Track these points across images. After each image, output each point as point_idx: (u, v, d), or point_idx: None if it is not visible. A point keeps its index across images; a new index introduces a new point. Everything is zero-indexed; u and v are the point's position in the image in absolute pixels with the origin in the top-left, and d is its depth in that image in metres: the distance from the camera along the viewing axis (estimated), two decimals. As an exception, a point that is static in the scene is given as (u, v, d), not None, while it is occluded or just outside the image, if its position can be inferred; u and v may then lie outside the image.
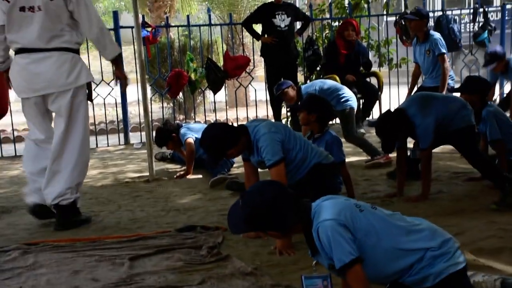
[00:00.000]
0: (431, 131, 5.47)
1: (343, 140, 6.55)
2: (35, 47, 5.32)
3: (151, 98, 10.76)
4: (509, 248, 4.33)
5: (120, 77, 6.04)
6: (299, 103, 6.92)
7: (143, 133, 7.45)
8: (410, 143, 6.12)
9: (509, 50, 12.07)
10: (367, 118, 10.02)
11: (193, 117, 11.79)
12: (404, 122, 5.44)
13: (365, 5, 11.14)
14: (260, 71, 14.70)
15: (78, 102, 5.50)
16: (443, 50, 8.05)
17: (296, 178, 4.84)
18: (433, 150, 5.84)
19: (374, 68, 10.47)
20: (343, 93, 7.40)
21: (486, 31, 11.06)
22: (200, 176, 7.49)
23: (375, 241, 2.92)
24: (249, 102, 12.14)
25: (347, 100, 7.38)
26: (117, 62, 5.97)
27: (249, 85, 11.06)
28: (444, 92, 7.83)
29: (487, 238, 4.55)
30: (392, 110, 5.89)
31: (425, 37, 8.14)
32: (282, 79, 8.53)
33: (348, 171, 5.88)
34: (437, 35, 8.30)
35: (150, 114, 8.23)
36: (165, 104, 11.73)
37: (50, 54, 5.34)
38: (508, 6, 12.77)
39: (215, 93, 10.21)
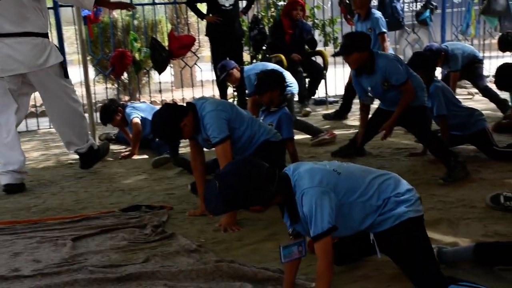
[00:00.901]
0: None
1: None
2: (5, 32, 5.73)
3: (94, 79, 10.64)
4: (447, 219, 4.49)
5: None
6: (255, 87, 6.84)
7: (86, 115, 7.31)
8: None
9: (450, 29, 12.28)
10: (312, 97, 10.06)
11: (138, 98, 11.65)
12: None
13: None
14: (206, 51, 14.60)
15: (52, 80, 6.09)
16: (383, 29, 8.18)
17: (245, 155, 4.83)
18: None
19: (320, 47, 10.52)
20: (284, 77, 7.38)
21: (428, 10, 11.37)
22: (146, 156, 7.44)
23: (352, 198, 3.05)
24: (195, 82, 12.05)
25: (288, 86, 7.35)
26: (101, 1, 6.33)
27: (195, 65, 11.00)
28: None
29: (427, 210, 4.59)
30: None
31: (367, 15, 8.25)
32: (227, 59, 8.48)
33: None
34: (378, 13, 8.43)
35: (92, 95, 8.14)
36: (109, 85, 11.54)
37: (22, 40, 5.80)
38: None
39: (160, 73, 10.11)
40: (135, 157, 7.43)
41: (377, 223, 3.08)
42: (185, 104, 4.85)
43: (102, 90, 11.51)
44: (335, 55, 6.66)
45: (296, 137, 7.33)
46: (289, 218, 3.14)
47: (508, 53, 9.77)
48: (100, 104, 9.76)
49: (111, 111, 7.58)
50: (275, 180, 3.03)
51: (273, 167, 3.10)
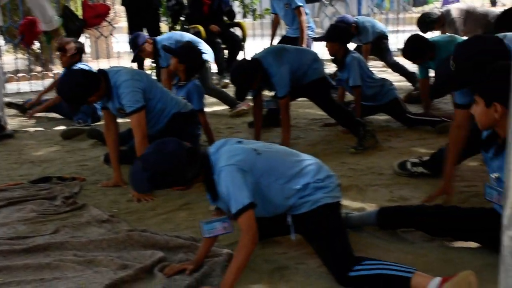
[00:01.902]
0: (287, 79, 5.61)
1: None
2: None
3: (3, 48, 10.30)
4: (356, 186, 4.65)
5: None
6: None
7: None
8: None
9: (366, 3, 12.48)
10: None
11: (51, 69, 11.36)
12: (258, 71, 5.50)
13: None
14: (123, 21, 14.36)
15: None
16: (299, 3, 8.19)
17: (157, 127, 4.86)
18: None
19: (238, 19, 10.50)
20: (200, 48, 7.36)
21: None
22: (59, 127, 7.23)
23: (271, 180, 3.10)
24: (112, 53, 11.86)
25: (203, 54, 7.35)
26: None
27: (111, 35, 10.80)
28: (304, 43, 8.01)
29: (338, 177, 4.76)
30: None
31: None
32: (143, 30, 8.39)
33: (212, 120, 6.10)
34: None
35: (1, 65, 7.90)
36: (20, 55, 11.21)
37: None
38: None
39: (73, 42, 9.84)
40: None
41: (295, 206, 3.17)
42: (97, 71, 4.79)
43: (12, 61, 11.15)
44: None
45: (215, 108, 7.50)
46: (210, 196, 3.19)
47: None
48: (11, 75, 9.48)
49: None
50: (197, 160, 3.07)
51: (193, 147, 3.14)
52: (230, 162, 3.01)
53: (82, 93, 4.53)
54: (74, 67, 6.62)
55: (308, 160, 3.26)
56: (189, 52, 5.70)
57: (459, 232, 3.45)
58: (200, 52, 5.96)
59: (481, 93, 3.07)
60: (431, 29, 8.51)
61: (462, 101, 3.84)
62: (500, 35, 3.97)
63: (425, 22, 8.50)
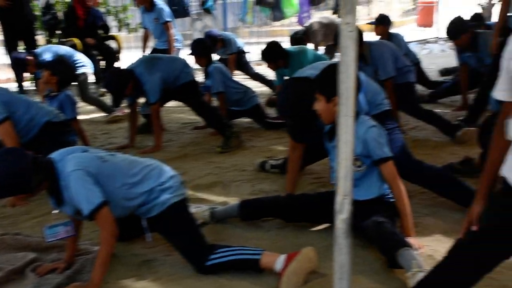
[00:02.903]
0: (157, 87, 5.57)
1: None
2: None
3: None
4: (221, 182, 4.63)
5: None
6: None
7: None
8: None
9: (231, 17, 12.58)
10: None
11: None
12: (129, 79, 5.43)
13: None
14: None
15: None
16: (167, 19, 8.00)
17: (29, 136, 4.61)
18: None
19: (114, 32, 10.30)
20: (77, 59, 7.18)
21: (211, 1, 11.62)
22: None
23: (117, 185, 3.00)
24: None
25: (82, 66, 7.18)
26: None
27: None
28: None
29: (205, 175, 4.82)
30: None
31: (151, 7, 7.96)
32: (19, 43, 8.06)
33: (89, 126, 6.09)
34: (161, 4, 8.07)
35: None
36: None
37: None
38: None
39: None
40: None
41: (146, 210, 3.11)
42: None
43: None
44: None
45: (92, 115, 7.24)
46: (55, 201, 3.04)
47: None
48: None
49: None
50: (41, 168, 2.92)
51: (37, 156, 2.98)
52: (78, 167, 2.90)
53: None
54: None
55: (151, 165, 3.18)
56: (60, 65, 5.49)
57: (310, 216, 3.52)
58: (71, 65, 5.82)
59: (321, 91, 3.11)
60: (301, 43, 8.64)
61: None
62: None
63: (296, 38, 8.69)
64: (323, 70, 3.18)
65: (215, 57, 7.56)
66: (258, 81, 8.54)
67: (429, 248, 3.15)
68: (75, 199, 2.88)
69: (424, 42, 13.21)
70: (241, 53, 8.58)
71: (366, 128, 3.15)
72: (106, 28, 9.63)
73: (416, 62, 7.23)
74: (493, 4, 12.41)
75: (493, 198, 2.14)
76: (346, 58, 2.11)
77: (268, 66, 6.59)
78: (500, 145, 2.08)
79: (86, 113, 7.18)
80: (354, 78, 2.13)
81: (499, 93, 2.09)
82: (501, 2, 5.61)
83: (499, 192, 2.08)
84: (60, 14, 9.81)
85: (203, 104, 6.02)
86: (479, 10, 11.68)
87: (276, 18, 12.54)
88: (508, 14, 5.29)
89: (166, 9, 8.08)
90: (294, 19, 12.38)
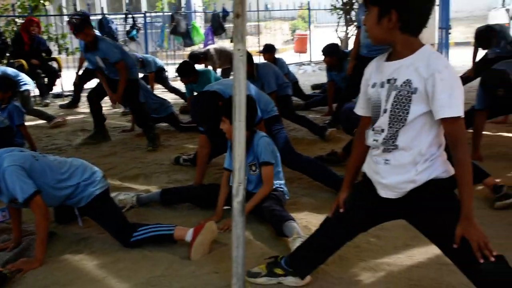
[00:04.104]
0: None
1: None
2: None
3: None
4: (143, 174, 4.51)
5: None
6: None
7: None
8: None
9: (151, 43, 12.39)
10: (50, 92, 9.40)
11: None
12: None
13: (44, 7, 10.36)
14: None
15: None
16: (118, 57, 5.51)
17: None
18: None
19: (55, 55, 9.86)
20: (21, 78, 6.82)
21: (135, 30, 11.56)
22: None
23: (47, 180, 2.86)
24: None
25: (25, 84, 6.82)
26: None
27: None
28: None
29: (131, 169, 4.69)
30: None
31: (94, 47, 5.42)
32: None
33: (35, 131, 5.86)
34: (104, 44, 5.44)
35: None
36: None
37: None
38: (148, 14, 13.02)
39: None
40: None
41: (75, 201, 2.99)
42: None
43: None
44: None
45: (37, 122, 6.89)
46: None
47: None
48: None
49: None
50: None
51: None
52: (13, 163, 2.75)
53: None
54: None
55: (76, 165, 3.03)
56: (5, 83, 5.18)
57: (214, 201, 3.44)
58: (14, 82, 5.53)
59: (226, 115, 3.08)
60: (199, 63, 8.57)
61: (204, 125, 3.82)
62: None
63: (195, 57, 8.61)
64: (228, 98, 3.13)
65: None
66: (174, 94, 8.42)
67: (305, 221, 3.20)
68: (11, 189, 2.73)
69: (300, 64, 13.47)
70: (161, 70, 8.41)
71: (259, 138, 3.23)
72: (49, 52, 9.25)
73: (294, 80, 7.41)
74: (349, 37, 12.80)
75: (355, 187, 2.18)
76: (239, 76, 2.10)
77: (181, 81, 6.54)
78: (360, 149, 2.11)
79: (32, 120, 6.82)
80: (245, 91, 2.12)
81: (358, 109, 2.10)
82: (355, 36, 5.82)
83: (360, 182, 2.13)
84: (9, 40, 9.31)
85: (138, 102, 5.70)
86: (338, 41, 12.05)
87: (187, 45, 12.68)
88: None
89: (110, 47, 5.49)
90: (201, 45, 12.37)
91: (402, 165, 1.89)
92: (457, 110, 1.75)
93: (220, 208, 3.34)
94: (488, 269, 1.77)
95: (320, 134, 5.45)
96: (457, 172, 1.81)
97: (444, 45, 12.97)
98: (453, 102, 1.74)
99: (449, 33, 13.08)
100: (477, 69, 6.53)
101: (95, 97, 5.89)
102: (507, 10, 14.75)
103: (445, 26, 12.93)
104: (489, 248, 1.77)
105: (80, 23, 5.28)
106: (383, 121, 1.90)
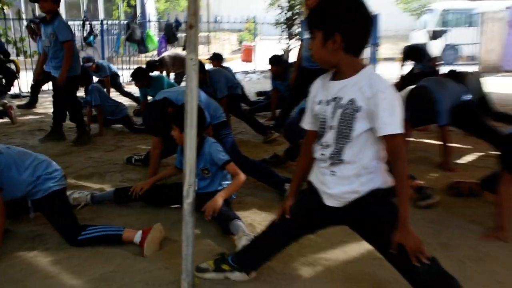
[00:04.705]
0: None
1: None
2: None
3: None
4: (98, 173, 4.33)
5: None
6: None
7: None
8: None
9: (107, 49, 12.08)
10: (9, 92, 8.97)
11: None
12: None
13: (3, 10, 9.82)
14: None
15: None
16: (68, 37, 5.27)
17: None
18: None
19: (13, 57, 9.38)
20: None
21: (92, 36, 11.23)
22: None
23: (12, 173, 2.68)
24: None
25: None
26: None
27: None
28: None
29: (86, 168, 4.49)
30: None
31: (51, 20, 5.23)
32: None
33: None
34: (59, 21, 5.15)
35: None
36: None
37: None
38: (104, 22, 12.73)
39: None
40: None
41: (32, 193, 2.81)
42: None
43: None
44: None
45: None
46: None
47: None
48: None
49: None
50: None
51: None
52: None
53: None
54: None
55: (40, 159, 2.88)
56: None
57: (165, 200, 3.37)
58: None
59: (176, 124, 2.97)
60: (155, 70, 8.37)
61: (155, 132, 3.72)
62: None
63: (151, 65, 8.43)
64: (180, 107, 3.03)
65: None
66: (127, 98, 8.19)
67: (250, 219, 3.15)
68: None
69: (246, 72, 13.46)
70: (115, 76, 8.17)
71: (209, 144, 3.14)
72: (7, 54, 8.79)
73: (241, 87, 7.35)
74: (290, 49, 12.92)
75: (301, 194, 2.15)
76: (191, 84, 2.03)
77: (135, 85, 6.38)
78: (306, 160, 2.08)
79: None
80: (196, 99, 2.05)
81: (305, 124, 2.06)
82: (298, 49, 5.83)
83: (306, 190, 2.09)
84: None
85: (74, 100, 5.47)
86: (281, 53, 12.11)
87: (142, 51, 12.55)
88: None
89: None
90: (155, 52, 12.18)
91: (346, 177, 1.88)
92: (398, 127, 1.75)
93: (150, 175, 3.25)
94: (423, 271, 1.79)
95: (263, 133, 5.47)
96: (396, 184, 1.81)
97: (373, 60, 13.37)
98: (394, 120, 1.75)
99: (377, 50, 13.53)
100: (403, 83, 6.72)
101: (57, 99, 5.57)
102: (428, 32, 15.30)
103: (374, 43, 13.35)
104: (423, 253, 1.78)
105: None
106: (329, 137, 1.89)
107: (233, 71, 7.74)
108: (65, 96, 5.39)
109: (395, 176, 1.81)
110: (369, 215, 1.90)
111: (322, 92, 1.93)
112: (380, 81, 1.79)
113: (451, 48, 14.55)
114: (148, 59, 9.65)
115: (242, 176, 3.10)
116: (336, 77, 1.89)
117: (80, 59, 9.09)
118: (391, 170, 1.83)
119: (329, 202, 1.96)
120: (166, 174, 3.48)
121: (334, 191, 1.92)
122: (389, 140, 1.78)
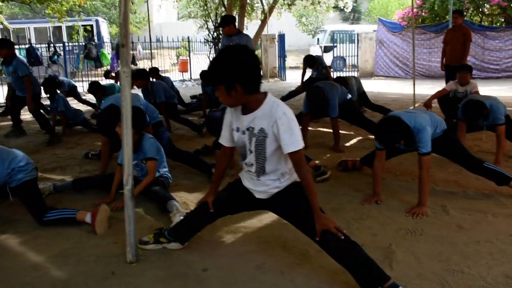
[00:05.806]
0: None
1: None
2: None
3: None
4: (60, 167, 4.01)
5: None
6: None
7: None
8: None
9: (69, 66, 11.36)
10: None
11: None
12: None
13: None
14: None
15: None
16: (26, 73, 5.07)
17: None
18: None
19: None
20: None
21: (56, 55, 11.39)
22: None
23: None
24: None
25: None
26: None
27: None
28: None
29: (50, 163, 4.15)
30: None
31: (9, 62, 5.11)
32: None
33: None
34: (16, 61, 5.07)
35: None
36: None
37: None
38: (67, 44, 11.99)
39: None
40: None
41: (9, 182, 2.56)
42: None
43: None
44: None
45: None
46: None
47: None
48: None
49: None
50: None
51: None
52: None
53: None
54: None
55: (16, 154, 2.63)
56: None
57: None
58: None
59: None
60: (111, 79, 7.89)
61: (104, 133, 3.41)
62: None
63: (107, 73, 7.92)
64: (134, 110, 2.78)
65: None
66: (86, 105, 7.63)
67: (184, 198, 3.04)
68: None
69: (183, 80, 13.17)
70: (74, 88, 7.47)
71: (147, 139, 2.99)
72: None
73: (177, 92, 7.14)
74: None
75: (232, 185, 2.06)
76: (125, 93, 1.91)
77: (93, 96, 6.04)
78: (221, 167, 2.04)
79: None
80: (130, 105, 1.93)
81: (223, 140, 1.97)
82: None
83: (236, 182, 2.03)
84: None
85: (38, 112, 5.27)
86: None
87: (97, 66, 12.32)
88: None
89: (23, 63, 5.18)
90: (109, 67, 11.61)
91: (270, 180, 1.89)
92: (297, 145, 1.73)
93: (112, 192, 3.01)
94: (336, 241, 1.76)
95: (198, 131, 5.33)
96: (304, 186, 1.80)
97: (282, 68, 13.60)
98: (293, 140, 1.72)
99: (285, 60, 13.78)
100: (304, 85, 6.82)
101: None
102: (321, 47, 15.80)
103: (282, 55, 13.60)
104: (341, 230, 1.76)
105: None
106: (251, 158, 1.86)
107: (172, 80, 7.50)
108: (33, 114, 5.28)
109: (302, 181, 1.80)
110: (288, 201, 1.90)
111: (236, 121, 1.87)
112: (278, 109, 1.74)
113: (340, 59, 15.07)
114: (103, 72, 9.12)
115: (152, 177, 2.94)
116: (246, 111, 1.82)
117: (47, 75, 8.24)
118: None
119: (258, 195, 1.96)
120: (118, 176, 3.08)
121: (260, 189, 1.93)
122: (292, 155, 1.76)
